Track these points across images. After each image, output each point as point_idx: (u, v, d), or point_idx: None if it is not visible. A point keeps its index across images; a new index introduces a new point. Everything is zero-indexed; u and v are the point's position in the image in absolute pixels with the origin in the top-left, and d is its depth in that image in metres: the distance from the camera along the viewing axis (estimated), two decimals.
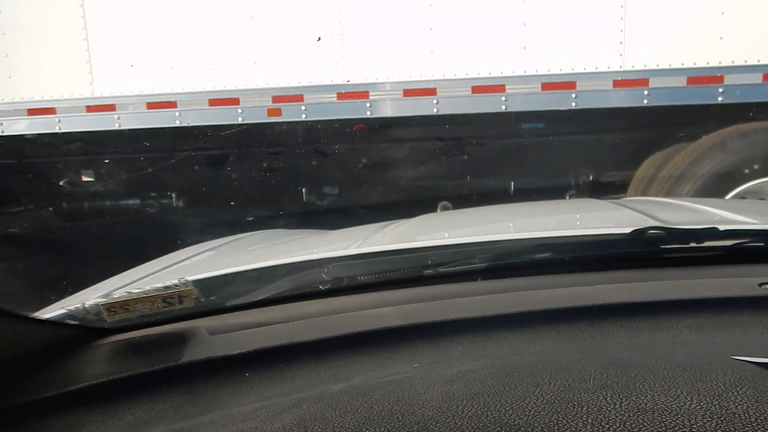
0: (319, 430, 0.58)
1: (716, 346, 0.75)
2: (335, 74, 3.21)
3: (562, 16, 3.05)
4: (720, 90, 2.98)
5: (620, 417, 0.53)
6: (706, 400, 0.54)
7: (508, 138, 3.66)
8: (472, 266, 1.12)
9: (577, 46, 3.06)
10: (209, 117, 3.35)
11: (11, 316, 0.82)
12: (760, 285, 0.93)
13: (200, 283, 1.05)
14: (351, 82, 3.20)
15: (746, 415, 0.51)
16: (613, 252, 1.19)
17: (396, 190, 3.76)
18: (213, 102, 3.29)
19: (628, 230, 1.18)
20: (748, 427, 0.50)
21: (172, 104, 3.33)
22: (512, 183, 3.86)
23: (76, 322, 0.95)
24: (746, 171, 3.08)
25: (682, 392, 0.56)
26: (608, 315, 0.85)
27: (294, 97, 3.25)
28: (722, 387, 0.56)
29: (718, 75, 2.97)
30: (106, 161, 3.83)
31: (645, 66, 3.02)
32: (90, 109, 3.36)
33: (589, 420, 0.53)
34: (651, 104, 3.04)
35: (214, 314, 1.01)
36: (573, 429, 0.52)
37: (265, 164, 3.97)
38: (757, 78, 2.95)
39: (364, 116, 3.30)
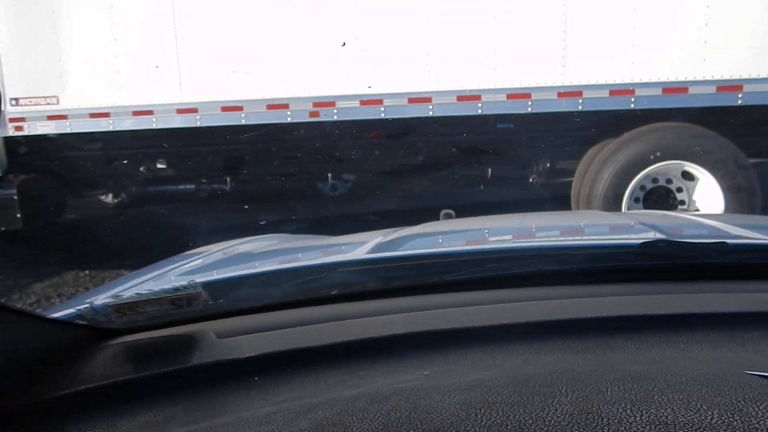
0: None
1: (728, 362, 0.73)
2: (359, 86, 4.40)
3: (521, 46, 4.26)
4: (632, 99, 4.18)
5: (642, 429, 0.52)
6: (727, 414, 0.54)
7: (486, 134, 4.88)
8: (482, 275, 1.11)
9: (532, 67, 4.26)
10: (266, 117, 4.54)
11: (21, 315, 0.82)
12: None
13: (209, 286, 1.05)
14: (370, 92, 4.41)
15: (767, 430, 0.51)
16: (622, 264, 1.16)
17: (400, 166, 5.00)
18: (270, 106, 4.49)
19: (637, 243, 1.16)
20: None
21: (239, 108, 4.55)
22: (489, 169, 5.08)
23: (85, 323, 0.95)
24: (652, 157, 4.29)
25: (702, 406, 0.55)
26: (617, 327, 0.85)
27: (329, 103, 4.44)
28: (741, 402, 0.55)
29: (631, 89, 4.16)
30: (185, 152, 5.05)
31: (579, 82, 4.21)
32: (179, 111, 4.58)
33: (611, 431, 0.52)
34: (584, 110, 4.25)
35: (223, 317, 1.00)
36: None
37: (298, 154, 5.19)
38: (658, 91, 4.16)
39: (379, 117, 4.50)
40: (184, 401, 0.76)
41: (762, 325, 0.84)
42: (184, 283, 0.99)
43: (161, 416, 0.73)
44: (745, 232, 1.49)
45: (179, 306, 0.94)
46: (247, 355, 0.83)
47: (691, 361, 0.74)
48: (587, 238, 1.67)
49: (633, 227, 1.68)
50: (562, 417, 0.55)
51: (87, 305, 0.99)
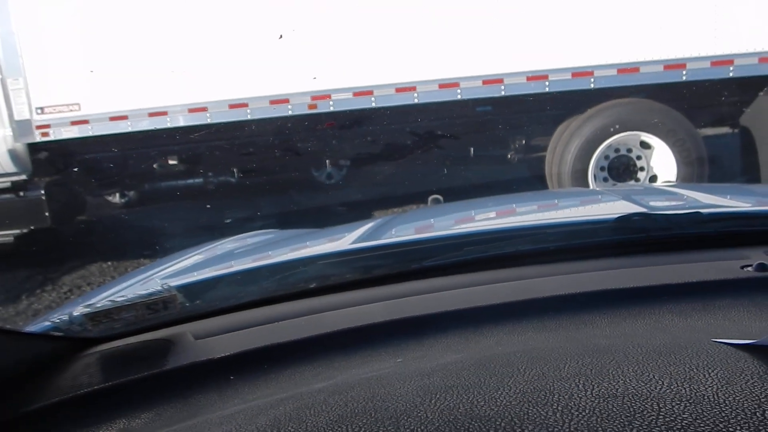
0: (293, 429, 0.57)
1: (696, 330, 0.74)
2: (351, 79, 4.88)
3: (494, 38, 4.82)
4: (592, 80, 4.74)
5: (590, 403, 0.53)
6: (676, 383, 0.54)
7: (467, 117, 5.44)
8: (457, 259, 1.11)
9: (504, 55, 4.80)
10: (269, 112, 5.02)
11: None
12: (742, 268, 0.94)
13: (184, 289, 1.04)
14: (362, 84, 4.90)
15: (715, 396, 0.52)
16: (598, 240, 1.17)
17: (389, 147, 5.56)
18: (273, 102, 5.00)
19: (613, 218, 1.16)
20: (716, 408, 0.50)
21: (245, 105, 5.06)
22: (471, 148, 5.64)
23: (61, 334, 0.95)
24: (612, 129, 4.88)
25: (653, 376, 0.56)
26: (592, 303, 0.85)
27: (325, 96, 4.94)
28: (694, 370, 0.56)
29: (590, 70, 4.72)
30: (195, 149, 5.57)
31: (546, 66, 4.78)
32: (191, 110, 5.10)
33: (559, 408, 0.53)
34: (551, 90, 4.80)
35: (200, 318, 1.00)
36: (542, 417, 0.52)
37: (296, 140, 5.70)
38: (613, 71, 4.72)
39: (370, 107, 5.03)
40: (160, 405, 0.75)
41: (733, 292, 0.85)
42: (159, 287, 0.99)
43: (136, 422, 0.73)
44: (721, 201, 1.52)
45: (155, 310, 0.94)
46: (222, 355, 0.83)
47: (660, 331, 0.75)
48: (563, 215, 1.68)
49: (608, 202, 1.70)
50: (514, 396, 0.56)
51: (63, 316, 0.99)
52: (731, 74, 4.62)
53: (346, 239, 1.44)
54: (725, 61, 4.59)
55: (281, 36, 4.81)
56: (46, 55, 5.10)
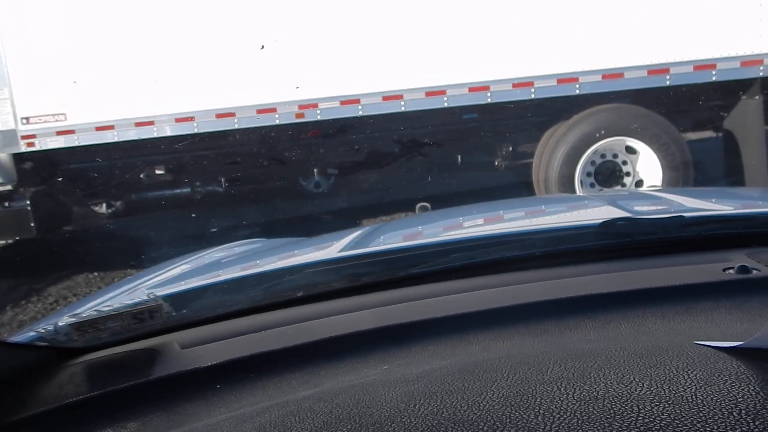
0: None
1: (678, 333, 0.75)
2: (338, 88, 4.90)
3: (480, 45, 4.85)
4: (577, 86, 4.80)
5: (571, 406, 0.54)
6: (656, 384, 0.55)
7: (454, 125, 5.46)
8: (445, 266, 1.11)
9: (490, 63, 4.83)
10: (257, 121, 5.02)
11: None
12: (724, 270, 0.95)
13: (171, 298, 1.04)
14: (349, 93, 4.93)
15: (694, 397, 0.52)
16: (583, 245, 1.18)
17: (377, 155, 5.58)
18: (259, 111, 4.99)
19: (597, 223, 1.18)
20: (694, 408, 0.51)
21: (232, 114, 5.06)
22: (458, 156, 5.66)
23: (47, 344, 0.95)
24: (597, 135, 4.92)
25: (634, 378, 0.57)
26: (577, 308, 0.86)
27: (312, 105, 4.96)
28: (674, 372, 0.57)
29: (575, 77, 4.77)
30: (182, 158, 5.55)
31: (531, 73, 4.81)
32: (177, 120, 5.09)
33: (541, 411, 0.54)
34: (536, 97, 4.85)
35: (187, 328, 1.00)
36: (524, 420, 0.53)
37: (283, 149, 5.70)
38: (598, 77, 4.77)
39: (357, 115, 5.04)
40: (145, 415, 0.75)
41: (714, 295, 0.86)
42: (145, 296, 0.99)
43: (122, 431, 0.73)
44: (703, 204, 1.55)
45: (141, 320, 0.93)
46: (209, 364, 0.83)
47: (642, 335, 0.76)
48: (550, 221, 1.70)
49: (593, 208, 1.72)
50: (497, 400, 0.57)
51: (48, 326, 1.00)
52: (714, 78, 4.69)
53: (334, 247, 1.44)
54: (708, 65, 4.65)
55: (263, 46, 4.81)
56: (32, 64, 5.07)
